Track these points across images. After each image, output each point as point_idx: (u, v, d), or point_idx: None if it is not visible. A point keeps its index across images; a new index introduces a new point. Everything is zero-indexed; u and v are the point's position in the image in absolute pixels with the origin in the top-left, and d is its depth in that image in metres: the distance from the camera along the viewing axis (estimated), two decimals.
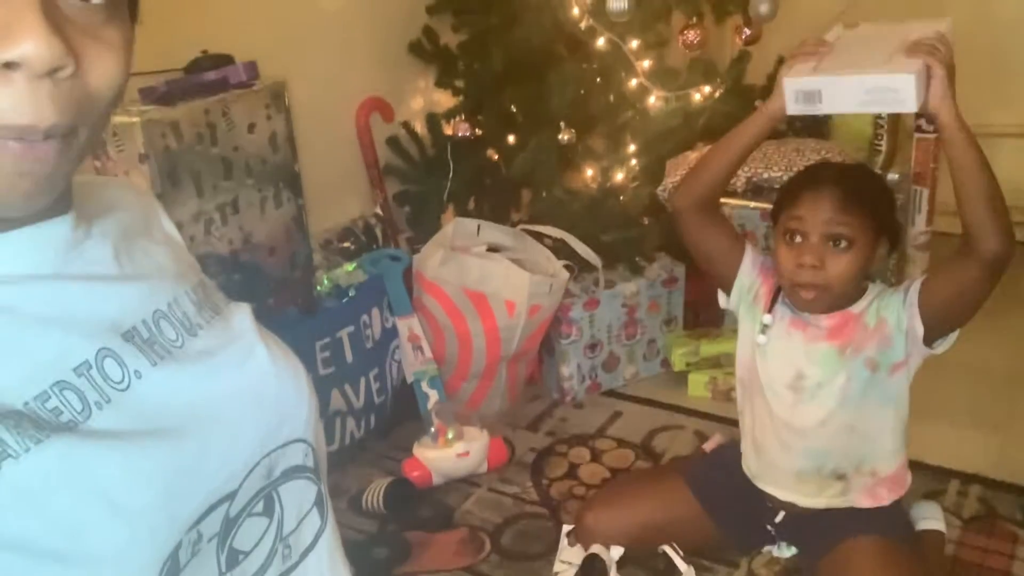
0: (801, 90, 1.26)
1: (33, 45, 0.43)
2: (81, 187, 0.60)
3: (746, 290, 1.51)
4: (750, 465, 1.56)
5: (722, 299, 1.56)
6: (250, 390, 0.63)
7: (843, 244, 1.34)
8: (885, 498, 1.48)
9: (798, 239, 1.37)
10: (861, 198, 1.35)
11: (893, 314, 1.39)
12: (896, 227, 1.44)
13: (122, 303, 0.58)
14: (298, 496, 0.66)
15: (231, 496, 0.58)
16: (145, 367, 0.57)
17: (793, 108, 1.29)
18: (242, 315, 0.68)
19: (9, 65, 0.43)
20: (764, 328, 1.47)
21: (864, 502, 1.48)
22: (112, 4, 0.50)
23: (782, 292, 1.46)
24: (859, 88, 1.21)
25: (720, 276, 1.54)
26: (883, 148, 2.55)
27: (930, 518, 1.65)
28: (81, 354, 0.53)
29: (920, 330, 1.36)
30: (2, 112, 0.44)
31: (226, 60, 1.88)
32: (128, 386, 0.55)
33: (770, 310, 1.47)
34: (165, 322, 0.60)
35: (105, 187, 0.68)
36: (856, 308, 1.42)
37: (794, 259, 1.37)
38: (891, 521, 1.50)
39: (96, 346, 0.54)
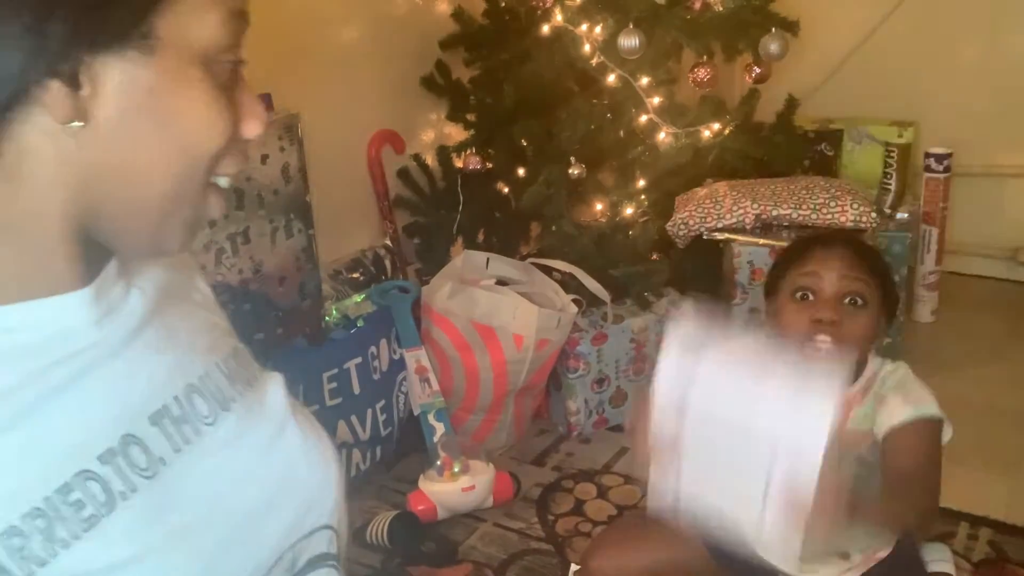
0: None
1: (265, 123, 0.60)
2: None
3: None
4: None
5: None
6: (278, 477, 0.62)
7: (859, 302, 1.29)
8: (882, 553, 1.45)
9: (810, 297, 1.30)
10: (871, 258, 1.33)
11: (871, 428, 1.31)
12: (895, 298, 1.39)
13: (152, 379, 0.57)
14: None
15: None
16: (168, 454, 0.55)
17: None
18: (275, 388, 0.67)
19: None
20: None
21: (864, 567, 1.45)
22: None
23: None
24: None
25: None
26: (892, 187, 2.55)
27: (939, 560, 1.62)
28: (105, 441, 0.52)
29: None
30: (238, 164, 0.59)
31: None
32: (154, 474, 0.54)
33: None
34: (198, 396, 0.59)
35: None
36: (851, 389, 1.32)
37: (807, 316, 1.29)
38: (904, 561, 1.47)
39: (121, 431, 0.53)
